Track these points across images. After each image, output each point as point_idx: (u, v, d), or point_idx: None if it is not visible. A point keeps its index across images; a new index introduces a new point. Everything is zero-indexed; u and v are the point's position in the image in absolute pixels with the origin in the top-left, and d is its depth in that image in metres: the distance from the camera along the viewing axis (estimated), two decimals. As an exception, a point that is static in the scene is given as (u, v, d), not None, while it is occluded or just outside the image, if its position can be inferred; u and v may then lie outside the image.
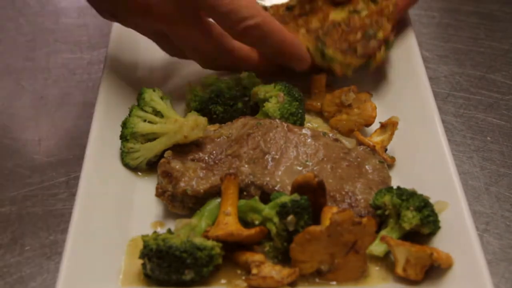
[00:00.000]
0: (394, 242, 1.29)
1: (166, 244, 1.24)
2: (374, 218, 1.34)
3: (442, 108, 1.75)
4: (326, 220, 1.29)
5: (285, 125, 1.51)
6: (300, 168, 1.44)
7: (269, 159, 1.45)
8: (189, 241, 1.26)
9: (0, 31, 2.04)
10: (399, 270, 1.27)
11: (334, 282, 1.29)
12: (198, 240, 1.27)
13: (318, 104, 1.65)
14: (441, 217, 1.34)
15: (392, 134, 1.54)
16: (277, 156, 1.45)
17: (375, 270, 1.32)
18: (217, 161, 1.45)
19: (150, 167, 1.50)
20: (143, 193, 1.47)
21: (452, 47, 1.99)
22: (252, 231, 1.30)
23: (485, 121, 1.74)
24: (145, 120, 1.48)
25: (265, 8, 1.90)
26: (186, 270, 1.25)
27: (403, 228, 1.33)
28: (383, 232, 1.34)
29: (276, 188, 1.39)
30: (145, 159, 1.49)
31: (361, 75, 1.69)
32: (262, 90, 1.58)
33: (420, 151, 1.51)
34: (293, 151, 1.47)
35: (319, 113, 1.66)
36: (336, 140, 1.51)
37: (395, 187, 1.37)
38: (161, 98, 1.52)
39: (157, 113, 1.49)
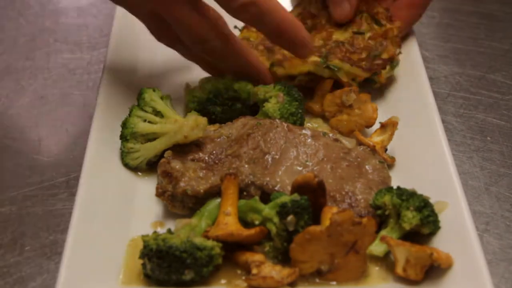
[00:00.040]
0: (394, 242, 1.29)
1: (166, 244, 1.24)
2: (374, 218, 1.34)
3: (442, 108, 1.74)
4: (326, 220, 1.29)
5: (285, 125, 1.51)
6: (300, 168, 1.44)
7: (269, 159, 1.45)
8: (189, 241, 1.26)
9: (0, 31, 2.04)
10: (399, 270, 1.27)
11: (334, 282, 1.29)
12: (198, 240, 1.27)
13: (318, 106, 1.65)
14: (441, 217, 1.34)
15: (392, 134, 1.54)
16: (277, 156, 1.45)
17: (375, 270, 1.32)
18: (217, 161, 1.45)
19: (150, 167, 1.50)
20: (143, 193, 1.47)
21: (452, 47, 1.99)
22: (252, 231, 1.30)
23: (485, 121, 1.74)
24: (145, 120, 1.48)
25: None
26: (186, 270, 1.25)
27: (403, 228, 1.33)
28: (383, 232, 1.34)
29: (276, 188, 1.39)
30: (145, 159, 1.49)
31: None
32: (261, 90, 1.58)
33: (420, 151, 1.51)
34: (293, 151, 1.47)
35: (319, 113, 1.66)
36: (336, 140, 1.51)
37: (395, 187, 1.37)
38: (161, 98, 1.52)
39: (157, 113, 1.49)
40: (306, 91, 1.67)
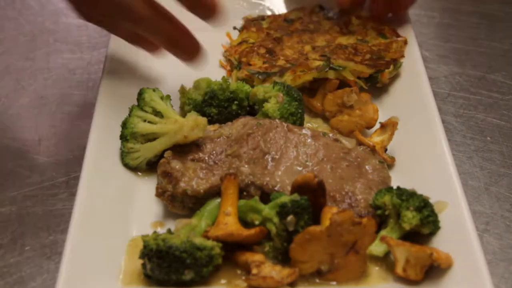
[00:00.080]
0: (394, 242, 1.29)
1: (166, 244, 1.25)
2: (374, 218, 1.34)
3: (442, 108, 1.74)
4: (326, 220, 1.29)
5: (285, 125, 1.51)
6: (300, 168, 1.44)
7: (269, 159, 1.45)
8: (189, 241, 1.26)
9: (0, 31, 2.04)
10: (399, 270, 1.27)
11: (334, 282, 1.29)
12: (198, 240, 1.27)
13: (320, 104, 1.65)
14: (441, 217, 1.34)
15: (392, 134, 1.54)
16: (277, 156, 1.45)
17: (375, 270, 1.32)
18: (217, 161, 1.45)
19: (150, 167, 1.50)
20: (143, 193, 1.47)
21: (452, 47, 1.99)
22: (252, 231, 1.30)
23: (485, 121, 1.74)
24: (145, 120, 1.48)
25: (263, 18, 1.91)
26: (186, 270, 1.25)
27: (403, 228, 1.33)
28: (383, 232, 1.34)
29: (276, 188, 1.39)
30: (145, 159, 1.49)
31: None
32: (261, 91, 1.58)
33: (420, 151, 1.51)
34: (293, 151, 1.47)
35: (319, 113, 1.66)
36: (336, 140, 1.51)
37: (395, 187, 1.38)
38: (161, 98, 1.52)
39: (157, 113, 1.49)
40: (309, 90, 1.68)
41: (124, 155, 1.49)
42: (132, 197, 1.46)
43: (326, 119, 1.64)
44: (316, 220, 1.31)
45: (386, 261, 1.32)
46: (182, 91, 1.61)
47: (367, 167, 1.46)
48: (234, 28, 1.90)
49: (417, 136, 1.54)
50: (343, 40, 1.79)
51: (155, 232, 1.31)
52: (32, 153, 1.64)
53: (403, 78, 1.71)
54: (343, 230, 1.27)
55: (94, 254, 1.30)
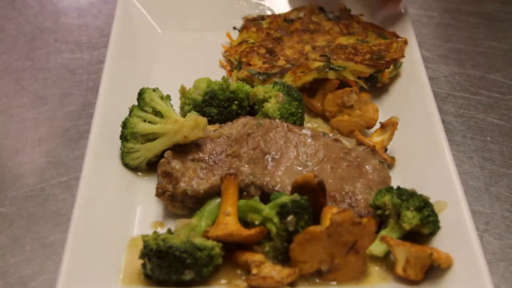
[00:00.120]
0: (394, 242, 1.29)
1: (166, 244, 1.25)
2: (374, 218, 1.34)
3: (442, 108, 1.75)
4: (326, 220, 1.29)
5: (285, 125, 1.51)
6: (300, 168, 1.44)
7: (269, 159, 1.45)
8: (189, 241, 1.26)
9: (0, 31, 2.04)
10: (399, 270, 1.27)
11: (334, 282, 1.29)
12: (198, 240, 1.27)
13: (320, 104, 1.65)
14: (441, 217, 1.34)
15: (392, 134, 1.54)
16: (277, 156, 1.45)
17: (375, 270, 1.32)
18: (217, 161, 1.45)
19: (150, 167, 1.50)
20: (143, 193, 1.47)
21: (452, 47, 1.99)
22: (252, 231, 1.30)
23: (485, 121, 1.74)
24: (145, 120, 1.48)
25: (263, 18, 1.91)
26: (186, 270, 1.25)
27: (403, 228, 1.33)
28: (383, 232, 1.34)
29: (276, 188, 1.39)
30: (145, 159, 1.49)
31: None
32: (261, 91, 1.58)
33: (420, 151, 1.51)
34: (293, 151, 1.47)
35: (319, 113, 1.66)
36: (336, 140, 1.51)
37: (395, 187, 1.38)
38: (161, 98, 1.52)
39: (157, 113, 1.49)
40: (309, 90, 1.68)
41: (124, 155, 1.49)
42: (132, 197, 1.46)
43: (326, 119, 1.64)
44: (316, 220, 1.31)
45: (386, 261, 1.32)
46: (182, 91, 1.61)
47: (367, 167, 1.46)
48: (234, 28, 1.90)
49: (417, 136, 1.54)
50: (343, 40, 1.79)
51: (155, 232, 1.31)
52: (32, 153, 1.64)
53: (403, 78, 1.71)
54: (343, 230, 1.27)
55: (94, 254, 1.30)
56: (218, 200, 1.37)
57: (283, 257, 1.30)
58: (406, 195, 1.34)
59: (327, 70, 1.65)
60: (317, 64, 1.66)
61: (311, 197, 1.31)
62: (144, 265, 1.27)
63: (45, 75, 1.88)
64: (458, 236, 1.30)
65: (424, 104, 1.58)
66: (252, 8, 1.99)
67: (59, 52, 1.96)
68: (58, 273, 1.24)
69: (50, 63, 1.92)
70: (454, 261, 1.27)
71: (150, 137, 1.48)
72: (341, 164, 1.46)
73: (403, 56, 1.73)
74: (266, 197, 1.37)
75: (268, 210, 1.31)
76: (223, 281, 1.29)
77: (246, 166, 1.43)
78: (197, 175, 1.42)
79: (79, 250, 1.28)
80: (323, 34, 1.82)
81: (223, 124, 1.53)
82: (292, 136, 1.49)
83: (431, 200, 1.35)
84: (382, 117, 1.58)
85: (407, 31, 1.80)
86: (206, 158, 1.45)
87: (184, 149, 1.46)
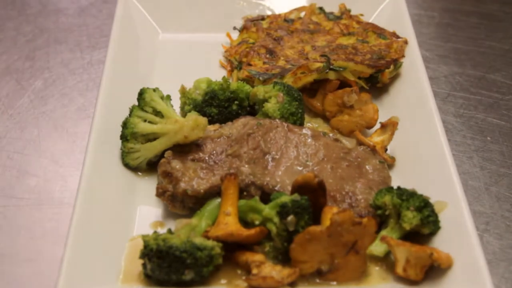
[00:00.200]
0: (394, 242, 1.29)
1: (166, 244, 1.24)
2: (374, 218, 1.34)
3: (442, 108, 1.75)
4: (326, 220, 1.29)
5: (285, 125, 1.51)
6: (300, 168, 1.44)
7: (269, 159, 1.45)
8: (189, 241, 1.26)
9: (0, 31, 2.04)
10: (399, 270, 1.27)
11: (334, 282, 1.29)
12: (198, 240, 1.27)
13: (320, 104, 1.65)
14: (441, 217, 1.34)
15: (392, 134, 1.54)
16: (277, 156, 1.45)
17: (375, 270, 1.32)
18: (217, 161, 1.45)
19: (150, 167, 1.50)
20: (143, 193, 1.47)
21: (452, 47, 1.99)
22: (252, 231, 1.30)
23: (485, 121, 1.74)
24: (145, 120, 1.48)
25: (263, 18, 1.91)
26: (186, 270, 1.25)
27: (403, 228, 1.33)
28: (383, 232, 1.34)
29: (276, 188, 1.39)
30: (145, 159, 1.49)
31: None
32: (261, 91, 1.58)
33: (420, 151, 1.51)
34: (293, 151, 1.47)
35: (319, 113, 1.66)
36: (336, 140, 1.51)
37: (395, 187, 1.38)
38: (161, 98, 1.52)
39: (157, 113, 1.49)
40: (309, 90, 1.68)
41: (124, 155, 1.49)
42: (132, 197, 1.46)
43: (326, 119, 1.64)
44: (316, 220, 1.31)
45: (386, 261, 1.32)
46: (182, 91, 1.61)
47: (367, 167, 1.46)
48: (234, 28, 1.90)
49: (417, 136, 1.54)
50: (344, 40, 1.79)
51: (155, 232, 1.31)
52: (32, 153, 1.64)
53: (403, 78, 1.71)
54: (343, 230, 1.27)
55: (94, 253, 1.30)
56: (218, 200, 1.37)
57: (283, 257, 1.30)
58: (406, 195, 1.34)
59: (327, 71, 1.65)
60: (317, 65, 1.66)
61: (311, 197, 1.31)
62: (144, 265, 1.27)
63: (45, 75, 1.88)
64: (458, 236, 1.30)
65: (424, 104, 1.58)
66: (252, 8, 1.99)
67: (59, 52, 1.96)
68: (58, 273, 1.24)
69: (50, 63, 1.92)
70: (454, 261, 1.27)
71: (150, 137, 1.48)
72: (341, 164, 1.46)
73: (403, 56, 1.73)
74: (266, 197, 1.37)
75: (268, 210, 1.31)
76: (223, 281, 1.29)
77: (246, 166, 1.43)
78: (197, 175, 1.42)
79: (79, 250, 1.28)
80: (323, 34, 1.82)
81: (223, 124, 1.53)
82: (292, 136, 1.49)
83: (431, 200, 1.35)
84: (382, 117, 1.58)
85: (407, 31, 1.80)
86: (206, 158, 1.45)
87: (184, 149, 1.46)
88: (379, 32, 1.81)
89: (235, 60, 1.77)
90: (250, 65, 1.72)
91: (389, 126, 1.54)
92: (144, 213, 1.43)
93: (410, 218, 1.31)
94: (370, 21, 1.89)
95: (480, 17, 2.10)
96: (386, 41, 1.76)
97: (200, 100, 1.57)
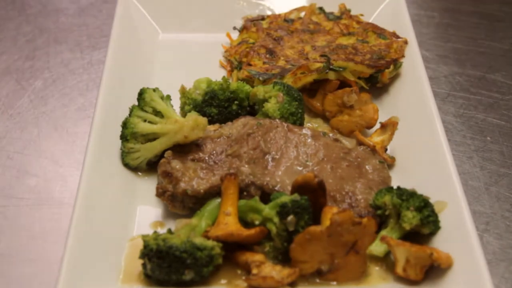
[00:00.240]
0: (394, 242, 1.29)
1: (166, 244, 1.24)
2: (374, 218, 1.34)
3: (442, 108, 1.75)
4: (326, 220, 1.29)
5: (285, 125, 1.51)
6: (300, 168, 1.44)
7: (269, 159, 1.45)
8: (189, 241, 1.26)
9: (0, 31, 2.04)
10: (399, 270, 1.27)
11: (334, 282, 1.29)
12: (198, 240, 1.27)
13: (320, 104, 1.65)
14: (441, 217, 1.34)
15: (392, 134, 1.54)
16: (277, 156, 1.45)
17: (375, 270, 1.32)
18: (217, 161, 1.45)
19: (150, 167, 1.50)
20: (143, 193, 1.47)
21: (452, 47, 1.99)
22: (252, 231, 1.30)
23: (485, 121, 1.74)
24: (145, 120, 1.48)
25: (263, 18, 1.91)
26: (186, 270, 1.25)
27: (403, 228, 1.33)
28: (383, 232, 1.34)
29: (276, 188, 1.39)
30: (145, 159, 1.49)
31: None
32: (261, 91, 1.58)
33: (420, 151, 1.51)
34: (293, 151, 1.47)
35: (319, 113, 1.66)
36: (336, 140, 1.51)
37: (395, 187, 1.37)
38: (161, 98, 1.52)
39: (157, 113, 1.49)
40: (309, 90, 1.68)
41: (124, 155, 1.49)
42: (132, 197, 1.46)
43: (326, 119, 1.64)
44: (316, 220, 1.31)
45: (386, 261, 1.32)
46: (182, 91, 1.61)
47: (367, 167, 1.46)
48: (234, 28, 1.90)
49: (417, 136, 1.54)
50: (344, 40, 1.79)
51: (155, 232, 1.31)
52: (32, 153, 1.64)
53: (403, 78, 1.71)
54: (343, 230, 1.27)
55: (94, 253, 1.30)
56: (218, 200, 1.37)
57: (283, 257, 1.30)
58: (406, 195, 1.34)
59: (327, 71, 1.65)
60: (317, 65, 1.66)
61: (311, 197, 1.31)
62: (144, 265, 1.27)
63: (45, 75, 1.88)
64: (458, 236, 1.30)
65: (424, 104, 1.58)
66: (252, 8, 1.99)
67: (59, 52, 1.96)
68: (58, 273, 1.24)
69: (50, 63, 1.92)
70: (454, 261, 1.27)
71: (150, 137, 1.48)
72: (341, 164, 1.46)
73: (403, 56, 1.73)
74: (266, 197, 1.37)
75: (268, 210, 1.31)
76: (223, 281, 1.29)
77: (246, 166, 1.43)
78: (197, 175, 1.42)
79: (79, 250, 1.28)
80: (323, 34, 1.82)
81: (223, 124, 1.53)
82: (292, 136, 1.49)
83: (431, 200, 1.35)
84: (382, 117, 1.58)
85: (407, 31, 1.80)
86: (206, 158, 1.45)
87: (184, 149, 1.46)
88: (379, 32, 1.81)
89: (235, 60, 1.77)
90: (250, 65, 1.72)
91: (389, 126, 1.54)
92: (144, 213, 1.43)
93: (410, 218, 1.31)
94: (370, 21, 1.89)
95: (480, 17, 2.10)
96: (386, 41, 1.77)
97: (200, 100, 1.57)
